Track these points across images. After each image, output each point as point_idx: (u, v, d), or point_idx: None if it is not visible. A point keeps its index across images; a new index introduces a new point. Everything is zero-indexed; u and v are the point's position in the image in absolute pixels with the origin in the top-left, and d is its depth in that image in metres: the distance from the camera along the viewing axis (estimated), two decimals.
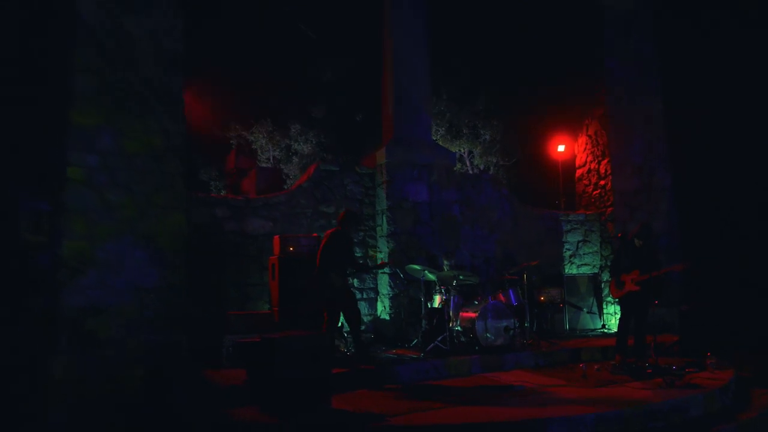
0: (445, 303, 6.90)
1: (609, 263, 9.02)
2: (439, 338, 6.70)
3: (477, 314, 6.76)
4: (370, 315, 8.17)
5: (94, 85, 6.09)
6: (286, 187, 8.81)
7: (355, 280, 8.07)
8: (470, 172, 12.30)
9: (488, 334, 6.79)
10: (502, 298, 7.32)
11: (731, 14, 10.70)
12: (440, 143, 11.42)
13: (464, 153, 12.85)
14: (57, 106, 6.24)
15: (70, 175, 5.90)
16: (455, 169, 8.93)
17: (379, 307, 8.22)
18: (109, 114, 6.13)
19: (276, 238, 6.91)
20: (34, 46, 6.51)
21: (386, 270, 7.95)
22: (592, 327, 8.99)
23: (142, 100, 6.32)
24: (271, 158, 14.79)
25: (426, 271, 7.11)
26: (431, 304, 7.22)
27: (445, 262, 7.46)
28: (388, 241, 8.02)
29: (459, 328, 6.99)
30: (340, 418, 4.44)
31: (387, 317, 7.95)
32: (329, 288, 6.16)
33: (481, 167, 12.82)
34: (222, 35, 14.14)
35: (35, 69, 6.58)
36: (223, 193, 10.45)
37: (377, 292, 8.30)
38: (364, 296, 8.22)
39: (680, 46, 10.42)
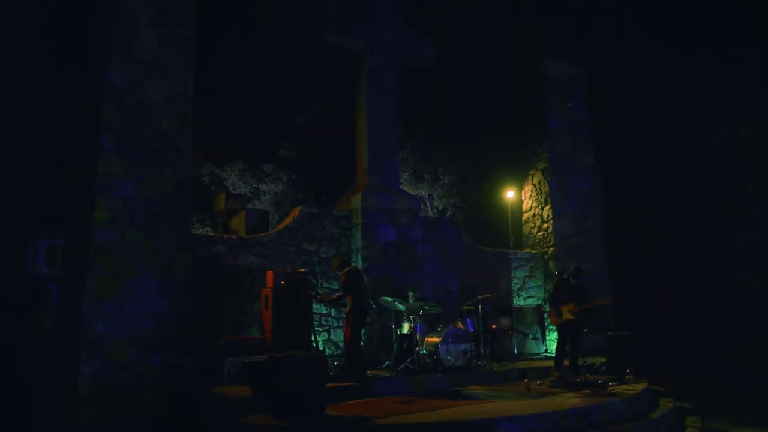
0: (413, 330, 8.10)
1: (550, 295, 10.46)
2: (409, 360, 7.88)
3: (440, 339, 7.99)
4: (345, 340, 9.26)
5: (118, 140, 7.11)
6: (271, 226, 9.88)
7: (333, 309, 9.20)
8: (430, 213, 13.66)
9: (449, 357, 8.02)
10: (460, 325, 8.58)
11: (646, 86, 12.65)
12: (405, 187, 12.73)
13: (425, 195, 14.22)
14: (86, 158, 7.23)
15: (96, 217, 6.89)
16: (419, 212, 10.25)
17: None
18: (131, 165, 7.18)
19: (269, 273, 7.98)
20: (67, 104, 7.51)
21: None
22: (536, 351, 10.36)
23: (158, 154, 7.40)
24: (241, 192, 15.74)
25: (397, 303, 8.32)
26: (401, 331, 8.41)
27: (410, 294, 8.68)
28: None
29: (425, 351, 8.18)
30: (339, 420, 5.54)
31: (361, 343, 9.05)
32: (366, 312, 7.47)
33: (440, 208, 14.22)
34: (197, 76, 15.21)
35: (65, 125, 7.56)
36: (208, 230, 11.35)
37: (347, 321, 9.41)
38: (341, 324, 9.32)
39: (608, 111, 12.24)
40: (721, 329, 11.94)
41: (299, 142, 15.66)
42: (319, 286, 9.13)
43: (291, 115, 15.70)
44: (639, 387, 7.20)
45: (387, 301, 8.36)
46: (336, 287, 9.31)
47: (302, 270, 8.36)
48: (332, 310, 9.17)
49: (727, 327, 12.02)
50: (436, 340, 8.05)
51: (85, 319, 6.59)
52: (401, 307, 8.33)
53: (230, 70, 15.17)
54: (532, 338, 10.44)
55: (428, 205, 14.29)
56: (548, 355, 10.26)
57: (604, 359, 8.69)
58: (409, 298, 8.60)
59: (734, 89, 12.77)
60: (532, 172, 11.78)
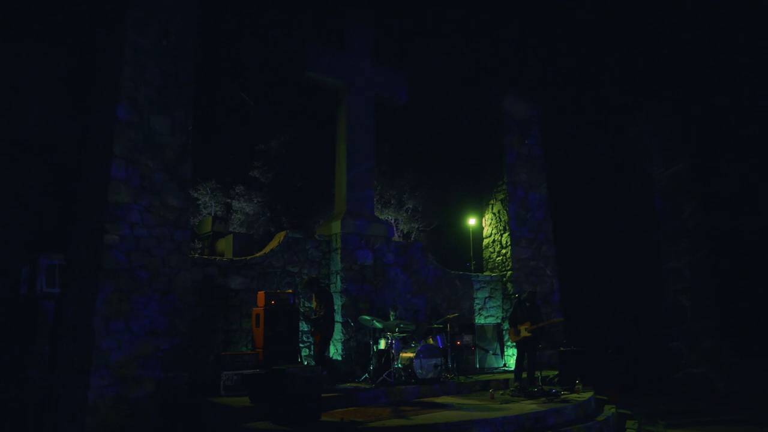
0: (390, 346, 8.96)
1: (509, 315, 11.53)
2: (386, 373, 8.73)
3: (414, 354, 8.88)
4: (324, 356, 10.01)
5: (126, 170, 7.75)
6: (256, 250, 10.57)
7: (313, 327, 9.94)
8: (396, 236, 14.62)
9: (422, 370, 8.90)
10: (431, 342, 9.50)
11: (594, 124, 14.09)
12: None
13: (391, 220, 15.18)
14: (95, 186, 7.81)
15: (106, 241, 7.49)
16: (392, 238, 11.16)
17: (332, 349, 10.09)
18: (137, 193, 7.84)
19: (260, 293, 8.70)
20: (79, 137, 8.09)
21: (339, 319, 9.91)
22: (496, 365, 11.39)
23: (161, 182, 8.08)
24: (212, 213, 16.28)
25: (374, 321, 9.18)
26: (377, 347, 9.26)
27: (392, 313, 9.55)
28: (341, 296, 10.00)
29: (400, 365, 9.04)
30: (334, 425, 6.33)
31: (339, 357, 9.84)
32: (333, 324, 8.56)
33: (405, 231, 15.20)
34: None
35: (66, 152, 8.13)
36: (193, 253, 11.90)
37: (325, 337, 10.18)
38: None
39: (559, 147, 13.58)
40: (656, 344, 13.35)
41: (272, 165, 16.37)
42: (301, 305, 9.87)
43: (264, 138, 16.41)
44: (587, 395, 8.30)
45: (366, 319, 9.21)
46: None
47: (289, 291, 9.11)
48: (312, 327, 9.92)
49: (662, 342, 13.45)
50: (410, 355, 8.93)
51: (95, 336, 7.15)
52: (379, 325, 9.18)
53: (204, 92, 15.78)
54: (492, 354, 11.46)
55: (394, 228, 15.26)
56: (506, 368, 11.30)
57: (556, 371, 9.78)
58: (391, 317, 9.46)
59: (667, 130, 14.40)
60: (492, 202, 12.93)
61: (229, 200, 16.20)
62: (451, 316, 10.04)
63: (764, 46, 12.21)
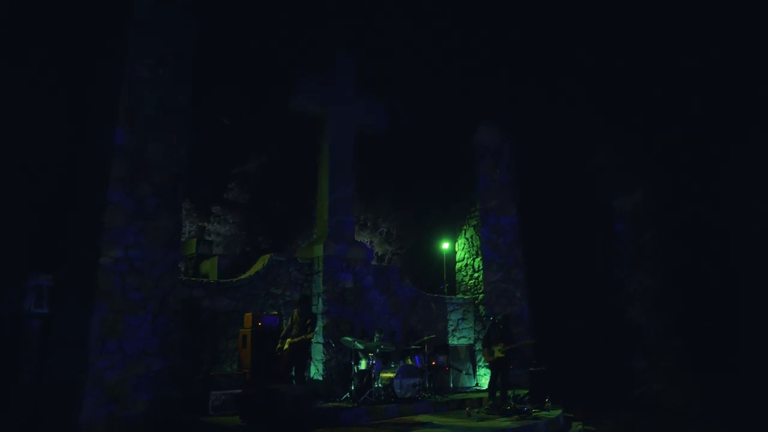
0: (371, 366, 9.35)
1: (481, 336, 12.05)
2: (367, 392, 9.11)
3: (394, 375, 9.30)
4: (305, 376, 10.31)
5: (122, 194, 8.03)
6: (240, 272, 10.87)
7: None
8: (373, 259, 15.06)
9: (401, 389, 9.31)
10: (410, 362, 9.93)
11: (561, 152, 14.88)
12: None
13: (367, 242, 15.63)
14: (92, 209, 8.04)
15: (102, 263, 7.72)
16: (371, 261, 11.60)
17: (312, 369, 10.41)
18: (132, 216, 8.13)
19: (248, 315, 9.00)
20: (73, 159, 8.31)
21: (320, 340, 10.25)
22: (469, 385, 11.87)
23: (155, 206, 8.40)
24: (187, 233, 16.42)
25: (356, 342, 9.56)
26: (358, 367, 9.63)
27: (377, 335, 9.95)
28: (323, 318, 10.36)
29: (380, 385, 9.43)
30: None
31: (320, 377, 10.16)
32: None
33: (380, 254, 15.67)
34: None
35: (73, 180, 8.35)
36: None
37: (310, 358, 10.51)
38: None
39: (529, 175, 14.31)
40: (619, 363, 14.07)
41: (249, 186, 16.62)
42: (284, 326, 10.17)
43: (241, 159, 16.66)
44: (556, 413, 8.86)
45: (347, 340, 9.59)
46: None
47: (275, 312, 9.43)
48: None
49: (624, 361, 14.19)
50: (390, 375, 9.34)
51: (89, 356, 7.35)
52: (360, 346, 9.57)
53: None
54: (465, 373, 11.94)
55: (373, 252, 15.70)
56: (479, 388, 11.79)
57: (527, 390, 10.32)
58: (375, 338, 9.86)
59: (628, 160, 15.33)
60: (465, 227, 13.53)
61: (203, 223, 16.39)
62: (428, 337, 10.50)
63: (716, 82, 13.23)
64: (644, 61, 13.88)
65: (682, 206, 14.22)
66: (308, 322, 8.80)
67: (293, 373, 9.84)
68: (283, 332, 8.82)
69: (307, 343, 8.94)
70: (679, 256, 14.02)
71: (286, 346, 8.56)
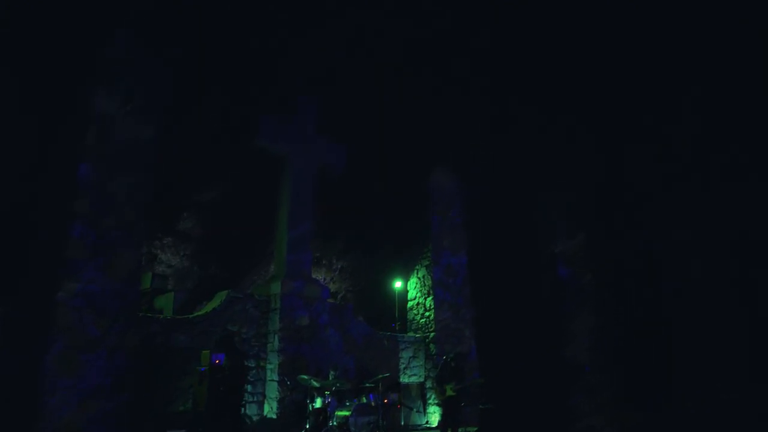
0: (326, 404, 9.45)
1: (432, 374, 12.34)
2: (323, 430, 9.19)
3: (350, 413, 9.42)
4: (258, 415, 10.30)
5: (84, 228, 8.01)
6: (196, 308, 10.82)
7: (249, 386, 10.24)
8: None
9: (355, 428, 9.42)
10: (365, 400, 10.08)
11: (509, 195, 15.65)
12: None
13: (321, 279, 15.77)
14: (52, 242, 7.95)
15: (60, 297, 7.64)
16: (327, 299, 11.78)
17: (266, 408, 10.39)
18: (93, 250, 8.08)
19: (206, 352, 8.96)
20: (39, 193, 8.21)
21: (275, 378, 10.28)
22: (419, 422, 12.09)
23: (118, 240, 8.36)
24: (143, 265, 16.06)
25: (312, 380, 9.66)
26: (314, 405, 9.70)
27: (332, 373, 10.07)
28: (279, 355, 10.41)
29: (335, 423, 9.51)
30: None
31: (274, 416, 10.15)
32: None
33: (333, 291, 15.81)
34: None
35: (34, 212, 8.23)
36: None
37: (264, 396, 10.50)
38: (255, 399, 10.37)
39: (480, 217, 14.96)
40: (560, 399, 14.63)
41: (204, 219, 16.51)
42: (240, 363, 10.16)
43: (196, 190, 16.56)
44: None
45: (304, 378, 9.67)
46: (253, 365, 10.43)
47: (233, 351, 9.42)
48: (248, 386, 10.22)
49: (565, 397, 14.77)
50: (346, 413, 9.45)
51: (43, 393, 7.16)
52: (316, 384, 9.66)
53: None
54: (416, 411, 12.16)
55: (328, 290, 15.84)
56: (429, 425, 12.02)
57: (476, 428, 10.64)
58: (330, 376, 9.98)
59: (569, 206, 16.26)
60: (417, 267, 13.94)
61: (156, 251, 16.12)
62: (384, 375, 10.70)
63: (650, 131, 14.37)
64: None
65: (617, 251, 15.18)
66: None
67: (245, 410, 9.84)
68: None
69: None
70: (615, 297, 14.88)
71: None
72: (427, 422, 12.25)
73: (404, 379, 12.74)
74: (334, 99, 13.11)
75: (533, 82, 14.55)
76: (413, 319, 13.84)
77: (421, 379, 12.90)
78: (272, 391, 10.35)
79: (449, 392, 9.79)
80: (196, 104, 10.97)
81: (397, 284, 14.08)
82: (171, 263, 15.96)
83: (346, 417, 9.41)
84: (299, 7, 11.80)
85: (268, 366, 10.58)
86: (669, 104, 13.42)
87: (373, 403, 10.19)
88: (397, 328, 13.82)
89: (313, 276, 15.08)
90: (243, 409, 9.89)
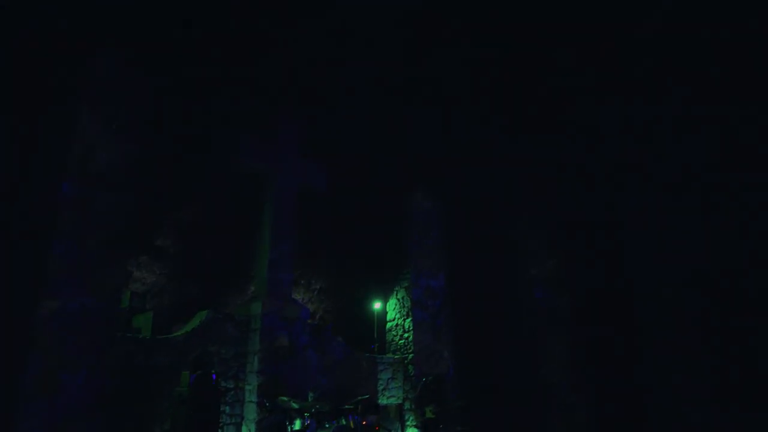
0: (306, 426, 9.43)
1: (410, 396, 12.38)
2: None
3: None
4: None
5: (67, 246, 7.95)
6: (174, 328, 10.69)
7: (227, 407, 10.15)
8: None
9: None
10: (344, 422, 10.07)
11: (487, 221, 15.93)
12: None
13: (300, 299, 15.73)
14: (33, 259, 7.86)
15: (39, 315, 7.55)
16: (308, 320, 11.78)
17: (244, 430, 10.29)
18: (74, 269, 8.02)
19: (186, 373, 8.89)
20: (21, 211, 8.14)
21: (253, 399, 10.21)
22: None
23: (99, 259, 8.30)
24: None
25: (292, 402, 9.64)
26: (293, 427, 9.67)
27: (311, 394, 10.06)
28: (258, 376, 10.35)
29: None
30: None
31: None
32: None
33: (312, 311, 15.77)
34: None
35: (15, 229, 8.14)
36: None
37: (243, 418, 10.40)
38: (233, 421, 10.26)
39: (459, 239, 15.18)
40: (535, 418, 14.77)
41: (181, 236, 16.35)
42: (219, 385, 10.07)
43: (174, 208, 16.42)
44: None
45: (283, 400, 9.65)
46: (232, 386, 10.35)
47: (212, 371, 9.36)
48: (227, 407, 10.13)
49: (540, 415, 14.92)
50: None
51: (18, 415, 7.01)
52: (296, 405, 9.65)
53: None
54: None
55: (309, 310, 15.80)
56: None
57: None
58: (309, 397, 9.96)
59: (544, 231, 16.62)
60: (396, 288, 14.04)
61: (131, 268, 15.89)
62: (364, 397, 10.72)
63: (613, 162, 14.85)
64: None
65: (591, 275, 15.54)
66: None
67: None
68: None
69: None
70: (587, 318, 15.19)
71: None
72: None
73: (383, 400, 12.74)
74: (317, 120, 13.28)
75: (512, 107, 14.96)
76: (392, 340, 13.89)
77: (400, 401, 12.91)
78: (251, 412, 10.27)
79: (429, 414, 9.86)
80: (178, 123, 11.00)
81: (376, 305, 14.15)
82: (146, 280, 15.76)
83: None
84: (282, 27, 12.00)
85: (247, 387, 10.51)
86: (643, 132, 13.94)
87: (352, 425, 10.20)
88: (375, 349, 13.84)
89: (293, 296, 15.10)
90: (221, 431, 9.81)
